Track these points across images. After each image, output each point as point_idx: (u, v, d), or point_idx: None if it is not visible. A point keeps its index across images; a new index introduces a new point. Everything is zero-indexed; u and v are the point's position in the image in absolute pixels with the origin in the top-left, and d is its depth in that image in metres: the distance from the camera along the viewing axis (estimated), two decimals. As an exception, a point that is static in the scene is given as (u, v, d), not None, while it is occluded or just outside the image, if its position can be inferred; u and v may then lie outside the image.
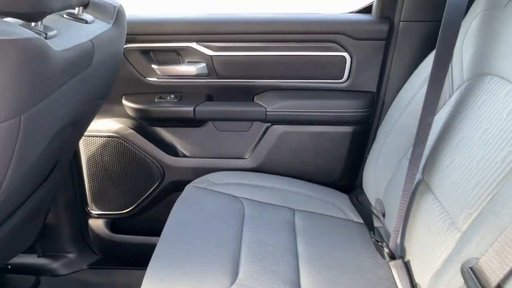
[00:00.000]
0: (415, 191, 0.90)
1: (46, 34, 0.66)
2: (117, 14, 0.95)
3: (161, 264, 0.87)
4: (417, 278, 0.84)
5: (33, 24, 0.67)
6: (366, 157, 1.19)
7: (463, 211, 0.73)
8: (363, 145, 1.27)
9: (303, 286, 0.86)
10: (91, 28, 0.83)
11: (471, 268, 0.61)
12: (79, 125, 1.00)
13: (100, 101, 1.03)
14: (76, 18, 0.83)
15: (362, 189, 1.21)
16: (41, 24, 0.68)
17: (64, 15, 0.83)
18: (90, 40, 0.79)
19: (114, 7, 0.95)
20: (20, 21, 0.67)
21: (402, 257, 0.90)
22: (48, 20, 0.73)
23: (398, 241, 0.92)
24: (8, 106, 0.59)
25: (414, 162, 0.89)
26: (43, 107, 0.66)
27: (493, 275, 0.57)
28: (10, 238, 1.00)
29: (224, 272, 0.85)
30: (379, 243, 0.96)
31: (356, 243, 1.02)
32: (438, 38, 0.85)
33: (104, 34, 0.86)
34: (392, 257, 0.91)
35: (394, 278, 0.89)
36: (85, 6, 0.85)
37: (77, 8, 0.84)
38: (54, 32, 0.70)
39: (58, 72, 0.67)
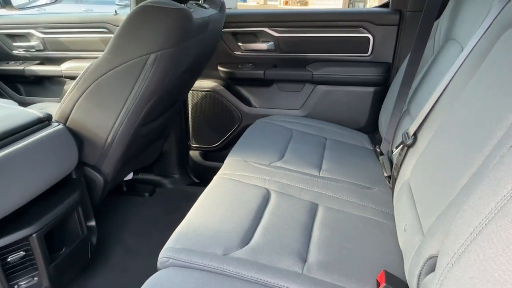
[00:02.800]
0: (401, 117, 1.40)
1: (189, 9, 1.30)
2: (221, 6, 1.59)
3: (238, 151, 1.45)
4: (395, 166, 1.33)
5: (182, 4, 1.31)
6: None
7: (418, 114, 1.23)
8: (382, 101, 1.77)
9: (323, 168, 1.39)
10: (208, 11, 1.47)
11: (407, 133, 1.12)
12: (193, 72, 1.64)
13: (207, 58, 1.66)
14: (199, 5, 1.48)
15: (378, 131, 1.71)
16: (185, 5, 1.32)
17: (194, 3, 1.48)
18: (208, 17, 1.42)
19: (220, 1, 1.59)
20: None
21: (388, 156, 1.40)
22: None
23: (390, 148, 1.42)
24: (174, 41, 1.22)
25: (401, 96, 1.39)
26: (184, 46, 1.29)
27: (413, 128, 1.08)
28: (147, 142, 1.66)
29: (274, 154, 1.42)
30: (375, 148, 1.46)
31: (365, 156, 1.53)
32: (420, 20, 1.36)
33: (214, 15, 1.49)
34: (382, 154, 1.42)
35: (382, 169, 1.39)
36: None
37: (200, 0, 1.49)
38: (192, 10, 1.33)
39: (193, 29, 1.30)
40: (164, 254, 0.90)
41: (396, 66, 1.73)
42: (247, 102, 1.94)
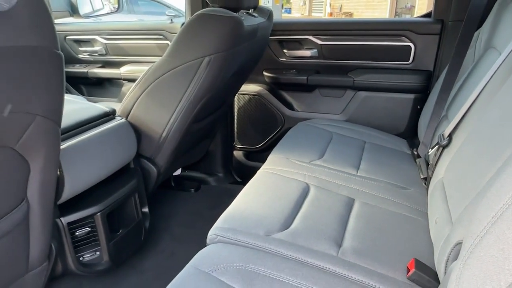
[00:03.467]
0: (440, 121, 1.45)
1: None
2: (269, 15, 1.71)
3: (280, 150, 1.55)
4: (430, 166, 1.38)
5: (234, 13, 1.43)
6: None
7: (455, 118, 1.28)
8: (421, 108, 1.81)
9: (361, 168, 1.46)
10: (257, 19, 1.59)
11: (442, 135, 1.18)
12: (241, 76, 1.76)
13: (254, 63, 1.78)
14: (250, 14, 1.60)
15: (417, 136, 1.75)
16: (237, 13, 1.45)
17: (244, 12, 1.60)
18: (257, 24, 1.54)
19: (268, 10, 1.71)
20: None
21: (425, 158, 1.45)
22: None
23: (427, 151, 1.47)
24: (226, 45, 1.34)
25: (439, 102, 1.44)
26: (235, 51, 1.42)
27: (448, 129, 1.13)
28: (197, 139, 1.79)
29: (314, 153, 1.50)
30: (413, 151, 1.51)
31: (402, 159, 1.58)
32: (461, 30, 1.41)
33: (262, 23, 1.61)
34: (419, 157, 1.47)
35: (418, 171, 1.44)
36: (254, 9, 1.62)
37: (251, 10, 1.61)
38: (243, 18, 1.45)
39: (244, 35, 1.42)
40: (212, 232, 1.01)
41: (437, 74, 1.77)
42: (289, 106, 2.04)
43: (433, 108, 1.45)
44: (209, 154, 2.18)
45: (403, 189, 1.34)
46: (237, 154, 2.21)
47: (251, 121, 2.12)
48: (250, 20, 1.53)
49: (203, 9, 1.37)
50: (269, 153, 1.56)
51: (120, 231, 1.40)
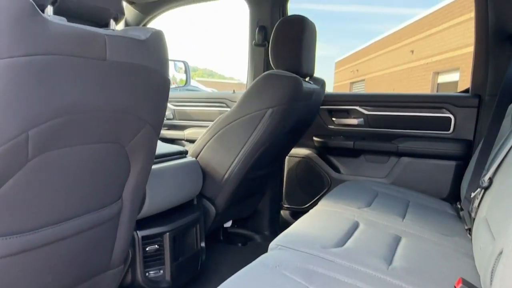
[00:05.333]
0: (481, 179, 1.56)
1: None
2: (322, 85, 1.97)
3: (330, 198, 1.68)
4: (473, 208, 1.45)
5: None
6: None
7: (494, 164, 1.39)
8: (463, 174, 1.92)
9: (406, 217, 1.55)
10: (312, 86, 1.84)
11: (483, 179, 1.29)
12: (294, 134, 1.97)
13: (306, 126, 2.00)
14: (306, 81, 1.86)
15: (460, 199, 1.84)
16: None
17: (302, 79, 1.86)
18: (313, 89, 1.79)
19: (322, 80, 1.97)
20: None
21: (469, 211, 1.53)
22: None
23: (469, 207, 1.56)
24: (287, 100, 1.57)
25: (480, 162, 1.57)
26: (294, 106, 1.64)
27: (489, 174, 1.25)
28: (251, 189, 1.95)
29: (361, 203, 1.62)
30: (457, 204, 1.60)
31: (446, 216, 1.66)
32: (496, 102, 1.59)
33: (317, 89, 1.86)
34: (462, 209, 1.55)
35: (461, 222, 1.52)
36: (310, 78, 1.89)
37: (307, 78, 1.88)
38: (301, 82, 1.71)
39: (302, 94, 1.66)
40: (273, 243, 1.14)
41: (477, 143, 1.90)
42: (336, 169, 2.20)
43: (474, 168, 1.57)
44: (258, 212, 2.32)
45: (448, 236, 1.42)
46: (284, 213, 2.33)
47: (299, 182, 2.28)
48: (308, 85, 1.78)
49: (270, 70, 1.64)
50: None
51: (179, 259, 1.53)
